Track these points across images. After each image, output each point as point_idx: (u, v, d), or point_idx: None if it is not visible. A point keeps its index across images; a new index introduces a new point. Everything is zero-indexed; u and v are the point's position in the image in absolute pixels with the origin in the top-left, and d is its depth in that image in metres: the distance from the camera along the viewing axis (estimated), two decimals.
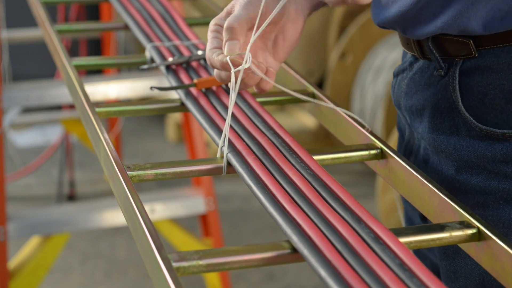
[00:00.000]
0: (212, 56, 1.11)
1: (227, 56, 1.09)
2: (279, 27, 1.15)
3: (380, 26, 1.17)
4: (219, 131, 1.14)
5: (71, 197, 3.63)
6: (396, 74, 1.22)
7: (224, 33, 1.11)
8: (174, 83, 1.29)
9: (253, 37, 1.06)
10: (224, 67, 1.10)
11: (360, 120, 1.16)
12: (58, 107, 3.68)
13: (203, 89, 1.25)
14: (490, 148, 1.08)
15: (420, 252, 1.27)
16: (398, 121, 1.30)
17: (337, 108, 1.17)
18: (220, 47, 1.13)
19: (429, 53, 1.12)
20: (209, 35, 1.15)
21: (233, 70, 1.07)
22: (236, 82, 1.07)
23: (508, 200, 1.08)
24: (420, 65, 1.16)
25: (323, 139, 3.88)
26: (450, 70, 1.10)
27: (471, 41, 1.07)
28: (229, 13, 1.15)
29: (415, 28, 1.10)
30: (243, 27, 1.11)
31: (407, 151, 1.24)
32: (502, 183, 1.08)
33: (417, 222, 1.25)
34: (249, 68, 1.08)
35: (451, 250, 1.15)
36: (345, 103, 3.63)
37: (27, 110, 3.83)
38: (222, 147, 1.09)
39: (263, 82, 1.14)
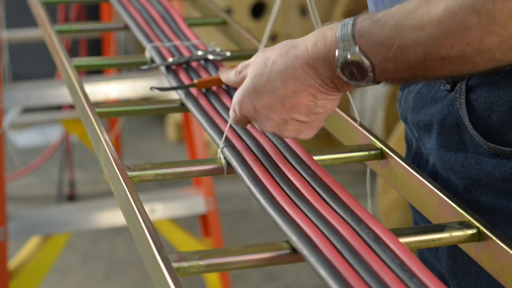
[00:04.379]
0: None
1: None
2: None
3: None
4: (219, 131, 1.14)
5: (71, 197, 3.63)
6: (402, 88, 1.19)
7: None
8: (174, 83, 1.29)
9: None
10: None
11: (355, 112, 1.15)
12: (58, 107, 3.67)
13: (203, 90, 1.25)
14: (499, 167, 1.04)
15: (428, 261, 1.25)
16: (406, 133, 1.27)
17: None
18: None
19: None
20: None
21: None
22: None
23: None
24: None
25: (323, 139, 3.88)
26: (457, 85, 1.07)
27: None
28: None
29: None
30: None
31: (414, 165, 1.21)
32: None
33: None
34: None
35: (460, 270, 1.14)
36: (345, 103, 3.63)
37: (27, 110, 3.83)
38: (222, 148, 1.09)
39: None
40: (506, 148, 1.04)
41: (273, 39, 3.74)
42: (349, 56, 0.91)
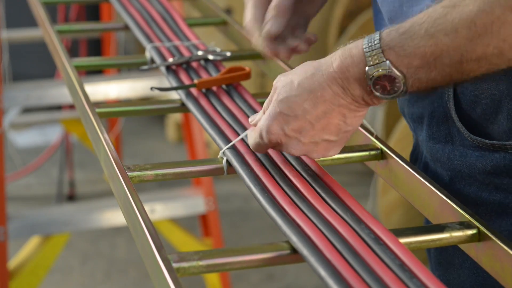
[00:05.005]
0: (252, 30, 1.12)
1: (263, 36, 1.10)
2: None
3: None
4: (220, 131, 1.14)
5: (71, 197, 3.63)
6: None
7: (269, 10, 1.11)
8: (174, 83, 1.29)
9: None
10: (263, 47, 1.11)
11: (368, 125, 1.15)
12: (58, 107, 3.67)
13: (204, 90, 1.25)
14: (481, 159, 1.06)
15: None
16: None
17: None
18: (260, 18, 1.13)
19: None
20: (250, 3, 1.14)
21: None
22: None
23: (499, 213, 1.07)
24: None
25: None
26: None
27: None
28: None
29: None
30: (290, 5, 1.12)
31: (413, 158, 1.22)
32: (493, 195, 1.07)
33: None
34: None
35: (445, 261, 1.15)
36: None
37: (27, 110, 3.83)
38: (224, 149, 1.08)
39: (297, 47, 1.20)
40: (488, 140, 1.06)
41: None
42: (380, 71, 0.91)
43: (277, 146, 1.01)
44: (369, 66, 0.91)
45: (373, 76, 0.91)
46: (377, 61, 0.91)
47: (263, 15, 1.16)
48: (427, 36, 0.88)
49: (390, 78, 0.91)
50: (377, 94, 0.93)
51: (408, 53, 0.89)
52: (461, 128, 1.07)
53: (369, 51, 0.91)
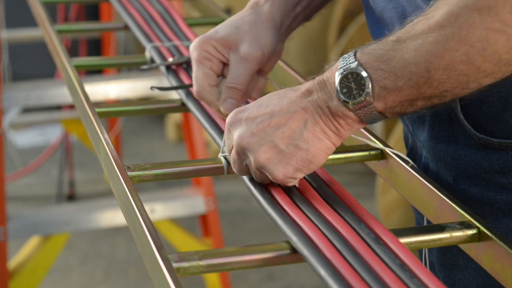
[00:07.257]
0: (208, 96, 1.12)
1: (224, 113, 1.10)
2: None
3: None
4: (220, 131, 1.14)
5: (71, 197, 3.63)
6: None
7: (225, 90, 1.11)
8: (174, 83, 1.28)
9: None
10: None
11: (404, 156, 1.12)
12: (58, 107, 3.67)
13: None
14: (487, 158, 1.05)
15: (430, 262, 1.26)
16: (403, 132, 1.27)
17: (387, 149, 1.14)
18: (214, 84, 1.14)
19: None
20: (198, 63, 1.14)
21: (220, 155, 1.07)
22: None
23: (506, 212, 1.06)
24: None
25: None
26: None
27: None
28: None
29: None
30: (246, 85, 1.12)
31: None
32: (499, 194, 1.06)
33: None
34: None
35: (449, 262, 1.14)
36: None
37: (27, 110, 3.83)
38: (223, 147, 1.08)
39: None
40: (494, 139, 1.04)
41: None
42: (348, 68, 0.89)
43: (230, 132, 0.98)
44: (339, 68, 0.91)
45: (341, 73, 0.90)
46: (347, 62, 0.90)
47: (215, 81, 1.15)
48: (397, 41, 0.88)
49: (356, 79, 0.89)
50: (342, 97, 0.91)
51: (377, 56, 0.89)
52: (467, 127, 1.06)
53: (343, 56, 0.91)
